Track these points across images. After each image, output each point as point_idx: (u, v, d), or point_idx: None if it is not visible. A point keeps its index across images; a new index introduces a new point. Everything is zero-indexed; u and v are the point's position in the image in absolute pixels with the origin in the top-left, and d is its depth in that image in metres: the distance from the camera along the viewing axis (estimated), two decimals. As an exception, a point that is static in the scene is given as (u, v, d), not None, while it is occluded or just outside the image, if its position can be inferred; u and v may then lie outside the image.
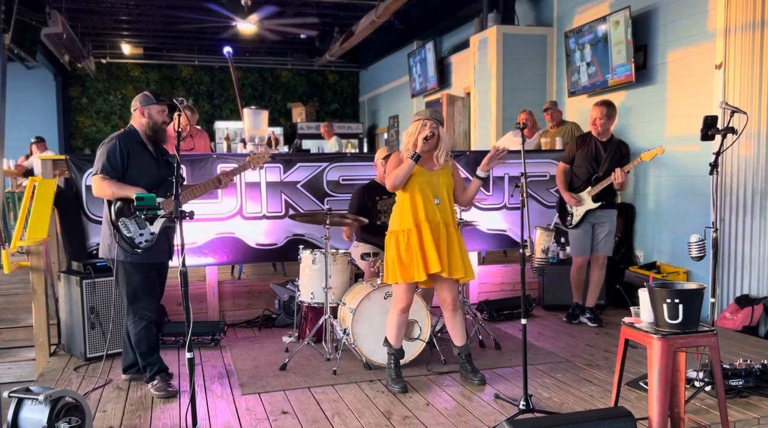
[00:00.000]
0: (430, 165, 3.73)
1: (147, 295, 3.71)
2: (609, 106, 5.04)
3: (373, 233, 4.79)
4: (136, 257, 3.62)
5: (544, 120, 7.26)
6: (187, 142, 5.92)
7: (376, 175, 4.96)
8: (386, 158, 4.84)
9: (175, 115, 3.29)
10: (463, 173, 5.45)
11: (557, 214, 5.25)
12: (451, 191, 3.80)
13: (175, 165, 3.16)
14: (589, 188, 5.02)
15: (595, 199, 5.01)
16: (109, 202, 3.60)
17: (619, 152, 5.02)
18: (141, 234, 3.59)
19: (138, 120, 3.72)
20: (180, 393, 3.74)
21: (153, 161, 3.74)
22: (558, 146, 6.30)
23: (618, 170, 4.82)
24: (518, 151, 3.61)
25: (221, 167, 5.07)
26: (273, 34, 10.39)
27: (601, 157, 5.01)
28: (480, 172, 3.78)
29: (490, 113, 7.75)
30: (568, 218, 5.13)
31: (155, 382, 3.72)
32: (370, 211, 4.81)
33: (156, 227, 3.66)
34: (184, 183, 3.95)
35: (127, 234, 3.56)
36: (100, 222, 4.89)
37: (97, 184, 3.59)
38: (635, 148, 6.22)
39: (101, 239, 3.78)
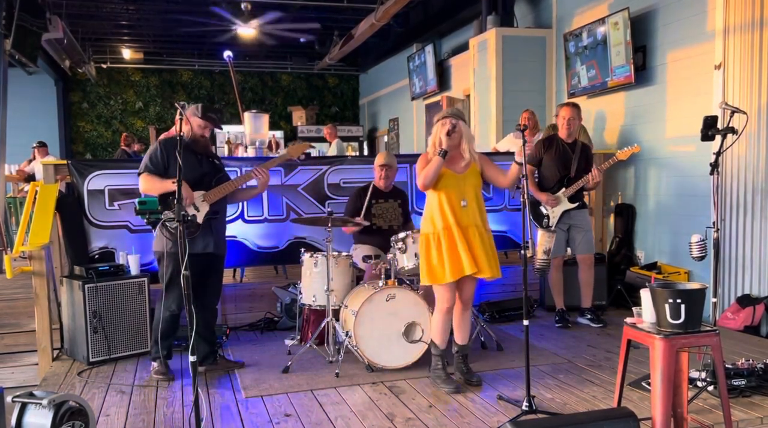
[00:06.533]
0: (456, 166, 3.74)
1: (178, 287, 3.79)
2: (578, 107, 5.18)
3: (370, 235, 4.81)
4: (175, 247, 3.77)
5: (544, 121, 7.26)
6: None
7: (374, 178, 4.97)
8: (383, 166, 4.86)
9: (177, 118, 3.30)
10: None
11: (530, 217, 5.17)
12: (479, 191, 3.81)
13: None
14: (564, 189, 5.08)
15: (571, 200, 5.09)
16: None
17: (585, 154, 5.15)
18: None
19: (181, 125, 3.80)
20: (183, 396, 3.74)
21: (195, 159, 3.94)
22: None
23: (596, 169, 4.96)
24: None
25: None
26: (272, 38, 10.40)
27: (569, 158, 5.09)
28: (518, 158, 3.58)
29: (490, 115, 7.75)
30: (544, 220, 5.15)
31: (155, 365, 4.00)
32: (364, 214, 4.81)
33: (199, 218, 3.89)
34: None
35: (171, 227, 3.76)
36: (101, 227, 4.95)
37: (141, 181, 3.89)
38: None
39: (155, 237, 4.00)
